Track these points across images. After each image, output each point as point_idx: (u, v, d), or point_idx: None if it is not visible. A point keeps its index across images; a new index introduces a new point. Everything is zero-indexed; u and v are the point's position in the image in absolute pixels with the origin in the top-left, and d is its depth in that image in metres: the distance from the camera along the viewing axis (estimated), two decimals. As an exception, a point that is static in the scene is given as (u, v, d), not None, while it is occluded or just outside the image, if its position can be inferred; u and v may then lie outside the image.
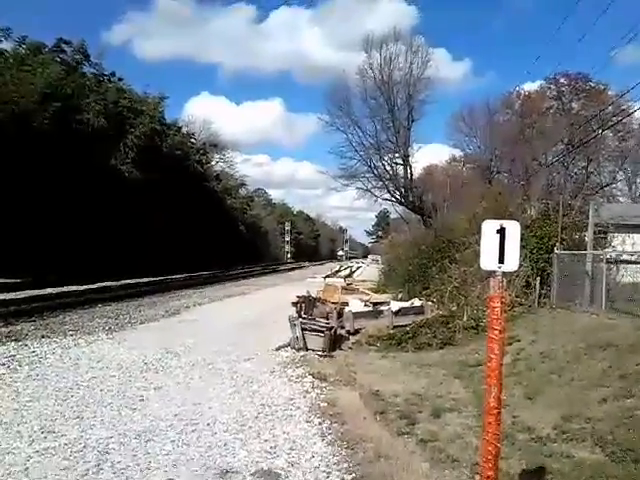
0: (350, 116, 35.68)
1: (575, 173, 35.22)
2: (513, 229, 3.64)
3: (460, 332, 12.07)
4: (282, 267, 64.99)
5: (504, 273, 3.63)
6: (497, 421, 3.59)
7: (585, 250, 12.88)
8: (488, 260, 3.66)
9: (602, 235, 14.78)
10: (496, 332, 3.57)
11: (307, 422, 6.68)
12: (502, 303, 3.58)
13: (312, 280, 34.58)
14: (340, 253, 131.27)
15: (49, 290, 20.83)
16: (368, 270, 52.00)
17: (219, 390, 8.16)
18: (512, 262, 3.62)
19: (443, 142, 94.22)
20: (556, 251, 13.44)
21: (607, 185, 36.87)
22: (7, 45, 36.05)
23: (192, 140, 60.47)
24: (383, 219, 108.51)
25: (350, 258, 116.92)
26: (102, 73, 43.53)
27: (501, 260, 3.60)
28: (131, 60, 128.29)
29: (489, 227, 3.67)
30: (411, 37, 36.92)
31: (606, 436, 5.68)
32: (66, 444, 5.75)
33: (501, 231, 3.62)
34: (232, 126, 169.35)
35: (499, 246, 3.61)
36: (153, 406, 7.23)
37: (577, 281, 12.28)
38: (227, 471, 5.14)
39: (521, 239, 11.75)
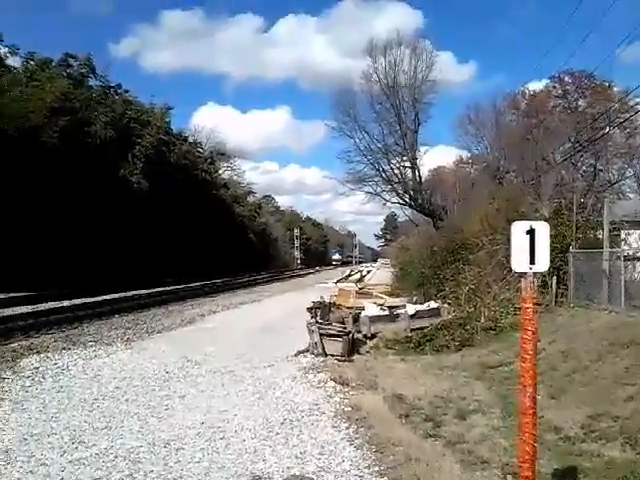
0: (357, 121, 35.68)
1: (584, 171, 35.07)
2: (543, 229, 3.67)
3: (478, 333, 12.06)
4: (292, 273, 65.09)
5: (535, 273, 3.66)
6: (533, 421, 3.61)
7: (601, 248, 12.84)
8: (519, 262, 3.69)
9: (616, 232, 14.74)
10: (529, 332, 3.61)
11: (333, 427, 6.72)
12: (534, 304, 3.62)
13: (323, 285, 34.60)
14: (336, 257, 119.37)
15: (65, 302, 20.98)
16: (378, 274, 51.97)
17: (243, 397, 8.21)
18: (543, 263, 3.66)
19: (450, 144, 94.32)
20: (571, 250, 13.42)
21: (616, 182, 36.60)
22: (16, 61, 36.57)
23: (199, 149, 60.77)
24: (391, 222, 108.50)
25: (360, 262, 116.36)
26: (108, 85, 43.89)
27: (532, 261, 3.63)
28: (139, 72, 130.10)
29: (518, 229, 3.70)
30: (415, 41, 36.91)
31: (635, 434, 5.67)
32: (97, 454, 5.82)
33: (531, 232, 3.65)
34: (239, 135, 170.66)
35: (529, 247, 3.64)
36: (179, 415, 7.29)
37: (594, 279, 12.25)
38: (260, 477, 5.18)
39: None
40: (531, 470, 3.59)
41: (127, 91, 46.16)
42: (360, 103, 36.13)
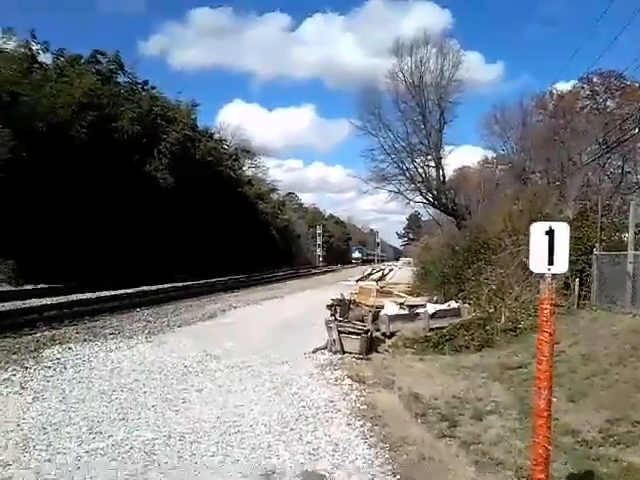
0: (381, 120, 35.45)
1: (611, 173, 34.49)
2: (562, 231, 3.61)
3: (498, 334, 11.94)
4: (314, 270, 65.14)
5: (553, 275, 3.61)
6: (547, 424, 3.57)
7: (625, 250, 12.62)
8: (537, 262, 3.65)
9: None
10: (546, 334, 3.56)
11: (348, 425, 6.71)
12: (552, 305, 3.57)
13: (345, 283, 34.58)
14: (356, 255, 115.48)
15: (88, 295, 21.27)
16: (400, 273, 51.79)
17: (259, 392, 8.24)
18: (562, 264, 3.60)
19: (476, 144, 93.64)
20: (595, 252, 13.21)
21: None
22: (47, 58, 37.18)
23: (224, 146, 61.13)
24: (414, 222, 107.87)
25: (382, 261, 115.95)
26: (136, 82, 44.32)
27: (550, 262, 3.59)
28: (167, 70, 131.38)
29: (538, 229, 3.65)
30: (442, 40, 36.58)
31: (655, 440, 5.58)
32: (113, 445, 5.89)
33: (550, 233, 3.60)
34: (265, 132, 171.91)
35: (548, 248, 3.59)
36: (195, 408, 7.34)
37: (618, 282, 12.04)
38: (272, 472, 5.20)
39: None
40: (544, 473, 3.55)
41: (154, 88, 46.60)
42: (385, 102, 35.94)
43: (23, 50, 34.67)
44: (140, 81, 44.92)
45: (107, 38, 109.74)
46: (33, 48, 35.60)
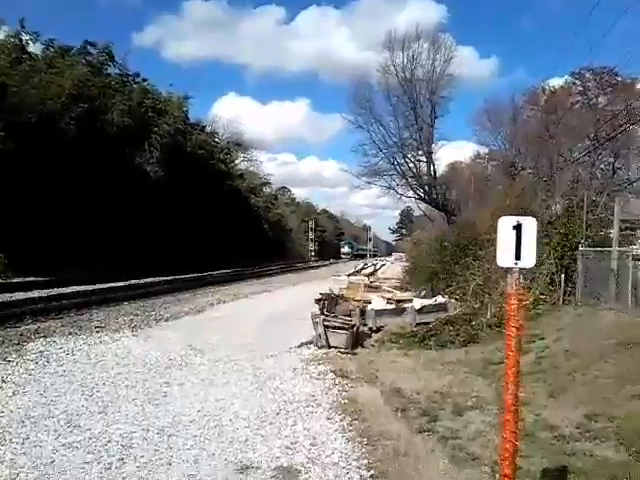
0: (372, 114, 35.47)
1: (601, 169, 34.60)
2: (530, 225, 3.61)
3: (483, 330, 11.97)
4: (306, 265, 65.13)
5: (521, 270, 3.61)
6: (515, 418, 3.57)
7: (610, 247, 12.66)
8: (504, 257, 3.65)
9: (630, 232, 14.51)
10: (513, 329, 3.56)
11: (328, 419, 6.72)
12: (519, 300, 3.57)
13: (336, 278, 34.56)
14: (345, 250, 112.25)
15: (76, 288, 21.16)
16: (392, 268, 51.81)
17: (242, 387, 8.24)
18: (529, 258, 3.60)
19: (469, 139, 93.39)
20: (581, 248, 13.25)
21: (636, 180, 36.03)
22: (37, 49, 36.87)
23: (216, 139, 60.93)
24: (407, 217, 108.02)
25: (374, 256, 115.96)
26: (127, 74, 44.03)
27: (517, 257, 3.58)
28: (162, 62, 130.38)
29: (505, 224, 3.65)
30: (435, 34, 36.50)
31: (631, 435, 5.60)
32: (90, 438, 5.88)
33: (517, 227, 3.60)
34: (258, 126, 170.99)
35: (515, 242, 3.59)
36: (176, 402, 7.33)
37: (602, 278, 12.08)
38: (247, 467, 5.20)
39: (545, 236, 11.60)
40: (511, 468, 3.55)
41: (145, 80, 46.34)
42: (376, 96, 35.91)
43: (12, 40, 34.34)
44: (131, 73, 44.70)
45: (101, 29, 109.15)
46: (23, 38, 35.28)
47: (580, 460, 5.30)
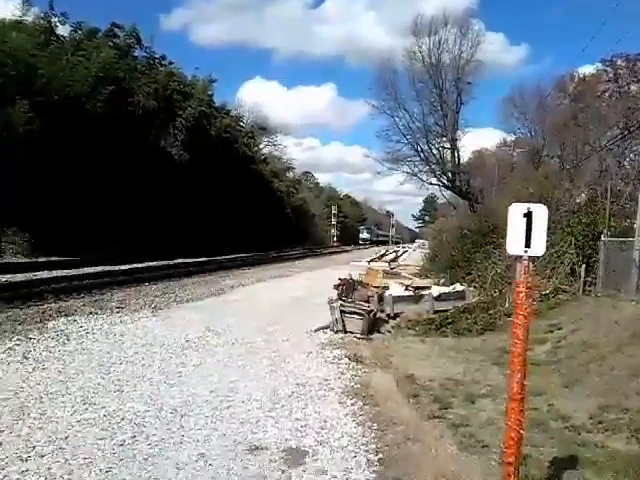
0: (397, 99, 35.25)
1: (630, 159, 33.90)
2: (540, 213, 3.57)
3: (501, 318, 11.88)
4: (327, 250, 65.10)
5: (531, 257, 3.57)
6: (520, 407, 3.56)
7: (633, 237, 12.43)
8: (514, 244, 3.62)
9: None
10: (521, 317, 3.54)
11: (340, 403, 6.74)
12: (528, 288, 3.54)
13: (356, 264, 34.53)
14: (364, 236, 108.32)
15: (99, 268, 21.49)
16: (414, 255, 51.62)
17: (256, 369, 8.31)
18: (539, 246, 3.56)
19: (495, 126, 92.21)
20: (603, 238, 13.04)
21: (665, 171, 35.26)
22: (64, 31, 37.25)
23: (240, 123, 61.08)
24: (430, 204, 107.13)
25: (396, 242, 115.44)
26: (153, 57, 44.30)
27: (527, 244, 3.55)
28: (189, 45, 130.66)
29: (516, 211, 3.61)
30: (462, 20, 36.02)
31: (643, 427, 5.54)
32: (105, 415, 5.98)
33: (528, 215, 3.56)
34: (284, 110, 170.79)
35: (525, 230, 3.55)
36: (191, 382, 7.42)
37: (624, 269, 11.89)
38: (257, 447, 5.25)
39: (567, 225, 11.42)
40: (514, 456, 3.55)
41: (171, 63, 46.60)
42: (401, 81, 35.67)
43: (41, 22, 34.71)
44: (157, 56, 44.91)
45: (129, 12, 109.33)
46: (51, 20, 35.67)
47: (590, 451, 5.26)
